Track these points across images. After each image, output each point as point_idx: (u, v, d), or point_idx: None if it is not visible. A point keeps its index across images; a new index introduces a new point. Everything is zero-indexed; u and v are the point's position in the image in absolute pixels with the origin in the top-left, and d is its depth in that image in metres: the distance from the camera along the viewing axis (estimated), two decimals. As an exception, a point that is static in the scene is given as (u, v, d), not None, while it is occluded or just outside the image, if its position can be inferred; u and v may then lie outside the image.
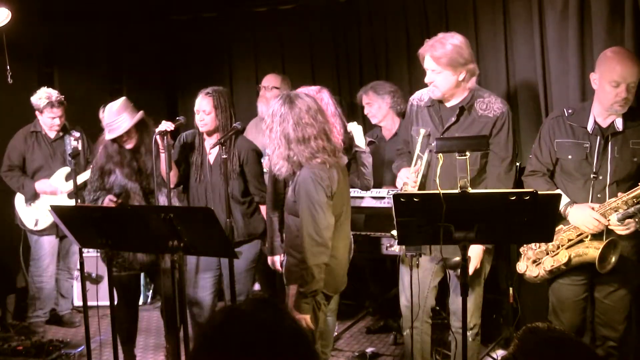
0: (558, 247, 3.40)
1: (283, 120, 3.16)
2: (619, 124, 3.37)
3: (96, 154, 4.29)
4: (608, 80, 3.29)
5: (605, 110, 3.37)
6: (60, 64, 6.03)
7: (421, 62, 3.48)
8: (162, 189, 4.07)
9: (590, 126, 3.42)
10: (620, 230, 3.28)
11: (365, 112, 4.99)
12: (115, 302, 4.29)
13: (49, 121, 5.15)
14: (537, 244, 3.43)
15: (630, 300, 3.57)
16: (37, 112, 5.14)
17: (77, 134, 5.18)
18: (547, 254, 3.43)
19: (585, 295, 3.55)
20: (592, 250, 3.32)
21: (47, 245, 5.25)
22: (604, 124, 3.41)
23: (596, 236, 3.36)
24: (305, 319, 3.12)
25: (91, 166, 4.36)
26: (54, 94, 5.13)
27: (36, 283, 5.26)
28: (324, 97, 3.82)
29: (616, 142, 3.37)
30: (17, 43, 5.33)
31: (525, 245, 3.50)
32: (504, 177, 3.49)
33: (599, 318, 3.58)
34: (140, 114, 4.11)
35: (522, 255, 3.52)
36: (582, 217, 3.35)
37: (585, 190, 3.41)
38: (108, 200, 4.10)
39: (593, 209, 3.33)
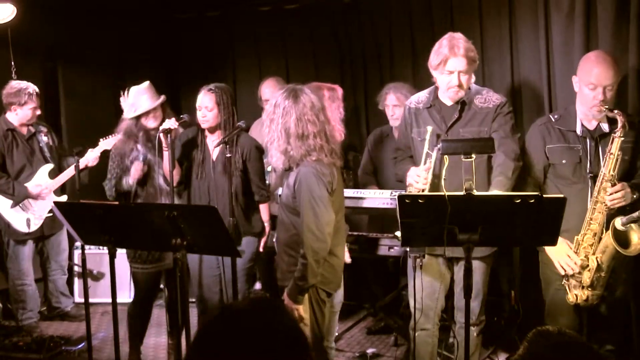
0: (587, 258, 3.35)
1: (286, 114, 3.14)
2: (605, 126, 3.38)
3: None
4: (585, 83, 3.34)
5: (585, 114, 3.41)
6: (64, 60, 6.04)
7: (441, 64, 3.41)
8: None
9: (579, 129, 3.45)
10: (610, 202, 3.26)
11: (389, 113, 4.90)
12: (132, 298, 4.38)
13: (30, 113, 4.97)
14: (572, 270, 3.37)
15: (626, 302, 3.57)
16: (13, 107, 4.94)
17: (45, 129, 5.17)
18: (584, 268, 3.36)
19: None
20: (606, 239, 3.28)
21: (27, 249, 5.14)
22: (591, 126, 3.44)
23: (606, 226, 3.31)
24: (299, 309, 3.15)
25: (110, 154, 4.37)
26: (30, 84, 4.98)
27: (17, 286, 5.14)
28: (340, 94, 3.93)
29: (606, 143, 3.38)
30: (21, 39, 5.35)
31: (564, 280, 3.44)
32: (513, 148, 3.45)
33: (595, 321, 3.57)
34: (162, 97, 4.23)
35: (568, 287, 3.44)
36: (556, 251, 3.35)
37: (583, 192, 3.40)
38: (136, 168, 4.11)
39: (570, 247, 3.36)
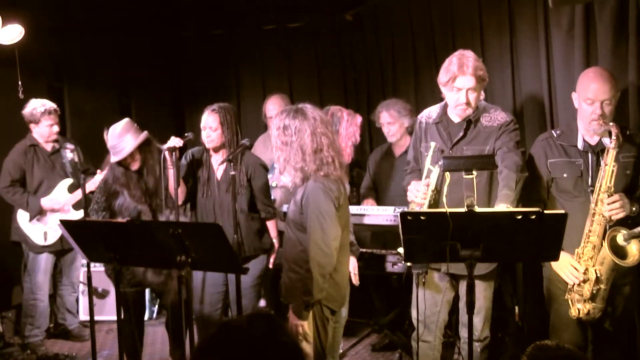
0: (587, 270, 3.34)
1: (298, 131, 3.17)
2: (607, 141, 3.40)
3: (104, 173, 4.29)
4: (583, 98, 3.39)
5: (586, 129, 3.43)
6: (70, 80, 6.11)
7: (449, 81, 3.44)
8: (169, 207, 4.09)
9: (580, 144, 3.47)
10: (608, 213, 3.26)
11: (385, 130, 4.95)
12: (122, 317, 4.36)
13: (47, 130, 5.11)
14: (577, 279, 3.36)
15: (631, 317, 3.56)
16: (32, 125, 5.11)
17: (72, 146, 5.27)
18: (584, 282, 3.35)
19: None
20: (604, 250, 3.27)
21: (43, 262, 5.19)
22: (592, 141, 3.46)
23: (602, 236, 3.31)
24: (303, 325, 3.15)
25: (98, 185, 4.36)
26: (47, 102, 5.13)
27: (29, 300, 5.18)
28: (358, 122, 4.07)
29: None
30: (28, 59, 5.42)
31: (567, 294, 3.44)
32: (520, 162, 3.42)
33: (599, 336, 3.57)
34: (144, 134, 4.07)
35: (570, 301, 3.43)
36: (559, 264, 3.34)
37: (585, 206, 3.41)
38: None
39: (572, 256, 3.36)
